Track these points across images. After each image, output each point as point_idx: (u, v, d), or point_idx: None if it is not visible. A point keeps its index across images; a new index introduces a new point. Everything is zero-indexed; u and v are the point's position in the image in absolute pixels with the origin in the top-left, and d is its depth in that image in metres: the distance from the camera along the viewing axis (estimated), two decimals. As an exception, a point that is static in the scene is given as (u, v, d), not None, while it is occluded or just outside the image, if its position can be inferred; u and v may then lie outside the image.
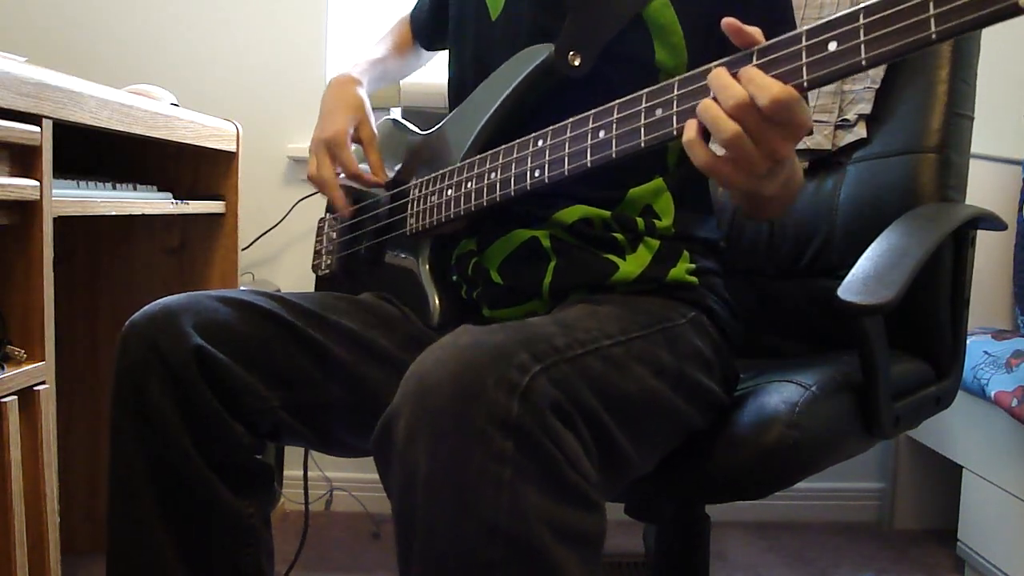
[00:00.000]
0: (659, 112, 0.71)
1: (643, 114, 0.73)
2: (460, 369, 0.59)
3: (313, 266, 1.21)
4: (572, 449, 0.60)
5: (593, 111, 0.77)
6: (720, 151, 0.66)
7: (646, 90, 0.73)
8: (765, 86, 0.62)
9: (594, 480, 0.62)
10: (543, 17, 0.91)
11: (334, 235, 1.17)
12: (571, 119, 0.79)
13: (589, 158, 0.77)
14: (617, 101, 0.76)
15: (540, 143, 0.82)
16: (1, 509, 0.96)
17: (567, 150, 0.79)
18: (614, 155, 0.75)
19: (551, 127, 0.81)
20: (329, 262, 1.18)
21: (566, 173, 0.79)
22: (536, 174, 0.82)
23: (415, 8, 1.23)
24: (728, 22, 0.65)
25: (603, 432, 0.65)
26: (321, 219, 1.22)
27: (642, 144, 0.73)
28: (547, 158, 0.81)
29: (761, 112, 0.63)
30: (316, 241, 1.22)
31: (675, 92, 0.70)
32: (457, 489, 0.57)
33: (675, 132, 0.70)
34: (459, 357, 0.61)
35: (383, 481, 0.65)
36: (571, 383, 0.63)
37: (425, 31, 1.21)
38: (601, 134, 0.76)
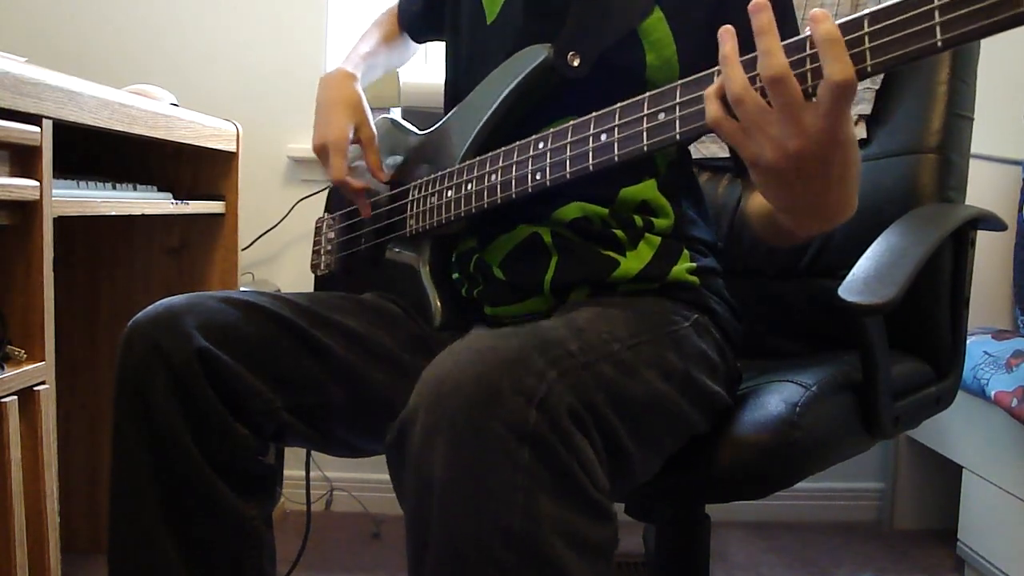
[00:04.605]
0: (662, 116, 0.72)
1: (645, 119, 0.73)
2: (477, 374, 0.59)
3: (312, 266, 1.21)
4: (587, 457, 0.61)
5: (594, 114, 0.77)
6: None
7: (647, 94, 0.74)
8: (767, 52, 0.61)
9: (606, 488, 0.62)
10: (538, 24, 0.91)
11: (332, 235, 1.17)
12: (572, 122, 0.79)
13: (591, 161, 0.77)
14: (619, 105, 0.76)
15: (541, 146, 0.82)
16: (1, 509, 0.96)
17: (568, 153, 0.79)
18: (616, 158, 0.75)
19: (552, 130, 0.81)
20: (328, 262, 1.17)
21: (567, 176, 0.79)
22: (537, 177, 0.82)
23: (403, 0, 1.22)
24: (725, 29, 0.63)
25: (614, 439, 0.65)
26: (319, 219, 1.22)
27: (644, 148, 0.73)
28: (548, 161, 0.81)
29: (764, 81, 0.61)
30: (314, 241, 1.22)
31: (677, 98, 0.71)
32: (474, 495, 0.57)
33: (677, 136, 0.70)
34: (476, 362, 0.60)
35: (395, 482, 0.65)
36: (586, 389, 0.63)
37: (415, 23, 1.20)
38: (603, 137, 0.76)
